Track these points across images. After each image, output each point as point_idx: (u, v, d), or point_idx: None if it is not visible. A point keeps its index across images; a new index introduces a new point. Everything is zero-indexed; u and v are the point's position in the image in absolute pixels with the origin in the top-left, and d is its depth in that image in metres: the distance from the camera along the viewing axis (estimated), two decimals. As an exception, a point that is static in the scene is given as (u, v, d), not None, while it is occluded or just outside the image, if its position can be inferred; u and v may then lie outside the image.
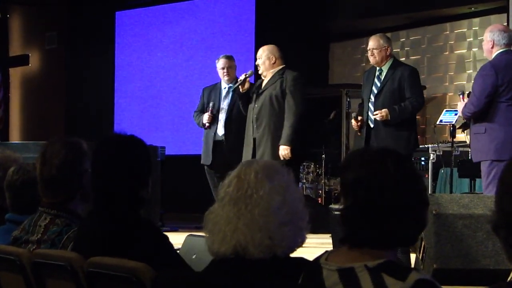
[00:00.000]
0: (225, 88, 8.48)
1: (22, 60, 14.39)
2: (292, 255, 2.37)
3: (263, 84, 7.67)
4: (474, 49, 11.39)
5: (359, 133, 7.23)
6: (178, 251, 3.20)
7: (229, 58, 8.50)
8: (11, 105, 14.55)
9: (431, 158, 9.19)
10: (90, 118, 13.18)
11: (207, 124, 8.36)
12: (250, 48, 11.63)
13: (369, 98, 7.09)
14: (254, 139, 7.56)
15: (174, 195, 11.04)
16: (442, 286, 2.28)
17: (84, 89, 13.49)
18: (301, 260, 2.36)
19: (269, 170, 2.37)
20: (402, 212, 2.10)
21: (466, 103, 6.50)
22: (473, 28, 11.45)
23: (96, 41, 13.29)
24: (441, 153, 9.25)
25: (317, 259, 2.20)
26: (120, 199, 2.96)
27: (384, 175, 2.11)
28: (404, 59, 11.51)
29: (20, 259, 3.12)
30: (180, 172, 11.47)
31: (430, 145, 9.55)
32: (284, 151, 7.36)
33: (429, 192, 8.49)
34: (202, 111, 8.51)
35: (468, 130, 8.75)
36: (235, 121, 8.26)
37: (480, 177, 6.91)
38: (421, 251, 5.54)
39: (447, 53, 11.77)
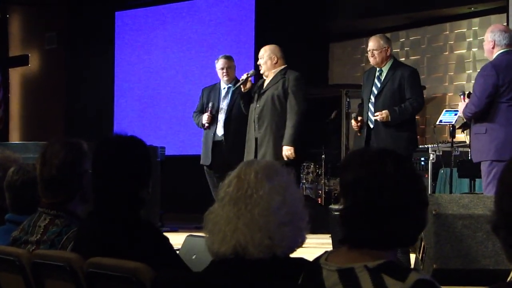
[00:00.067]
0: (224, 88, 8.48)
1: (22, 61, 14.39)
2: (292, 255, 2.37)
3: (265, 84, 7.67)
4: (474, 49, 11.39)
5: (359, 134, 7.23)
6: (178, 252, 3.20)
7: (229, 58, 8.50)
8: (11, 105, 14.55)
9: (431, 158, 9.19)
10: (89, 118, 13.18)
11: (206, 125, 8.36)
12: (250, 48, 11.64)
13: (369, 98, 7.09)
14: (256, 139, 7.57)
15: (174, 195, 11.04)
16: (442, 286, 2.28)
17: (83, 89, 13.49)
18: (301, 260, 2.36)
19: (269, 170, 2.37)
20: (402, 213, 2.10)
21: (467, 104, 6.51)
22: (473, 28, 11.44)
23: (96, 41, 13.29)
24: (440, 153, 9.24)
25: (317, 259, 2.20)
26: (120, 199, 2.96)
27: (383, 176, 2.11)
28: (404, 59, 11.51)
29: (19, 259, 3.12)
30: (179, 173, 11.47)
31: (430, 145, 9.55)
32: (287, 151, 7.38)
33: (429, 192, 8.49)
34: (202, 111, 8.51)
35: (468, 130, 8.75)
36: (235, 121, 8.26)
37: (479, 177, 6.92)
38: (421, 251, 5.54)
39: (447, 53, 11.77)
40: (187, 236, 3.85)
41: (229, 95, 8.40)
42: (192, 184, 10.53)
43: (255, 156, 7.47)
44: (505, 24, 9.25)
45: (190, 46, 12.42)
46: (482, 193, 6.67)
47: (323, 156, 10.82)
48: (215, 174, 8.26)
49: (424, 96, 7.57)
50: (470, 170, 8.36)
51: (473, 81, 10.67)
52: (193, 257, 3.48)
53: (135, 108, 12.98)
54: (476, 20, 11.39)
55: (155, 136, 11.42)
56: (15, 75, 14.60)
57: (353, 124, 7.22)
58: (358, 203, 2.11)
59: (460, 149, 9.32)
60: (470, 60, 11.46)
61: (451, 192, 8.79)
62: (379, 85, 7.05)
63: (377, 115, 6.91)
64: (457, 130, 9.28)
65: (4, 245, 3.39)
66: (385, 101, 6.99)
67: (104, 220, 2.97)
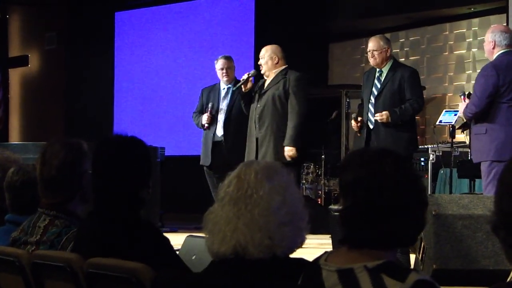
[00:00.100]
0: (224, 88, 8.48)
1: (22, 61, 14.39)
2: (292, 255, 2.37)
3: (266, 84, 7.67)
4: (473, 50, 11.39)
5: (359, 134, 7.23)
6: (177, 252, 3.20)
7: (228, 58, 8.50)
8: (11, 105, 14.55)
9: (431, 158, 9.19)
10: (89, 118, 13.17)
11: (206, 125, 8.36)
12: (249, 49, 11.63)
13: (369, 99, 7.09)
14: (257, 139, 7.57)
15: (174, 195, 11.04)
16: (442, 287, 2.28)
17: (83, 90, 13.49)
18: (301, 260, 2.36)
19: (269, 171, 2.38)
20: (402, 213, 2.10)
21: (467, 104, 6.51)
22: (473, 29, 11.44)
23: (96, 41, 13.29)
24: (440, 153, 9.25)
25: (317, 259, 2.20)
26: (120, 199, 2.97)
27: (383, 176, 2.11)
28: (403, 59, 11.51)
29: (19, 260, 3.12)
30: (179, 173, 11.46)
31: (429, 146, 9.55)
32: (289, 152, 7.39)
33: (429, 193, 8.49)
34: (201, 111, 8.50)
35: (468, 130, 8.75)
36: (234, 121, 8.26)
37: (479, 177, 6.92)
38: (421, 252, 5.54)
39: (446, 53, 11.77)
40: (187, 236, 3.85)
41: (229, 96, 8.40)
42: (191, 184, 10.52)
43: (256, 156, 7.47)
44: (505, 24, 9.25)
45: (190, 47, 12.42)
46: (482, 194, 6.67)
47: (323, 156, 10.81)
48: (214, 174, 8.26)
49: (424, 96, 7.57)
50: (470, 170, 8.37)
51: (473, 82, 10.67)
52: (193, 257, 3.48)
53: (135, 109, 12.98)
54: (475, 20, 11.39)
55: (155, 137, 11.42)
56: (15, 76, 14.60)
57: (353, 124, 7.22)
58: (358, 203, 2.11)
59: (460, 149, 9.32)
60: (470, 60, 11.46)
61: (451, 192, 8.79)
62: (379, 85, 7.05)
63: (377, 116, 6.91)
64: (457, 131, 9.28)
65: (4, 245, 3.39)
66: (385, 101, 6.99)
67: (104, 220, 2.97)
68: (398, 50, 11.92)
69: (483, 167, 6.42)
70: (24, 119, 14.51)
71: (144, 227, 2.97)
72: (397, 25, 12.09)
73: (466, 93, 6.79)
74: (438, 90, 11.83)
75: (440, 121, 9.16)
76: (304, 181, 10.74)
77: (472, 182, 8.76)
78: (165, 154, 9.88)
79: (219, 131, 8.34)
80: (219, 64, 8.47)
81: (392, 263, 2.07)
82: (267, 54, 7.69)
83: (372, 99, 7.06)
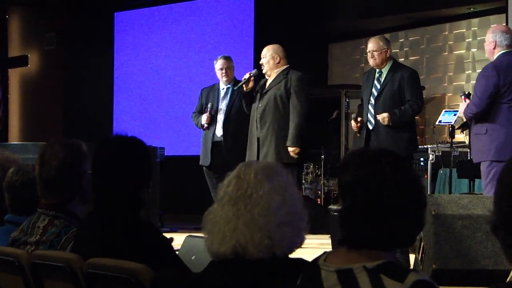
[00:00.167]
0: (223, 89, 8.48)
1: (21, 61, 14.39)
2: (291, 255, 2.37)
3: (267, 84, 7.66)
4: (473, 50, 11.39)
5: (358, 134, 7.23)
6: (177, 252, 3.20)
7: (227, 58, 8.50)
8: (10, 106, 14.55)
9: (430, 158, 9.19)
10: (89, 119, 13.18)
11: (205, 125, 8.36)
12: (249, 49, 11.64)
13: (369, 100, 7.09)
14: (258, 139, 7.56)
15: (173, 196, 11.04)
16: (441, 287, 2.28)
17: (83, 90, 13.49)
18: (300, 260, 2.36)
19: (269, 171, 2.38)
20: (401, 213, 2.10)
21: (468, 104, 6.52)
22: (472, 29, 11.44)
23: (95, 42, 13.29)
24: (440, 153, 9.25)
25: (316, 260, 2.20)
26: (120, 199, 2.97)
27: (383, 176, 2.11)
28: (403, 59, 11.51)
29: (19, 260, 3.12)
30: (179, 173, 11.46)
31: (429, 146, 9.55)
32: (292, 152, 7.39)
33: (428, 193, 8.49)
34: (201, 112, 8.50)
35: (467, 130, 8.76)
36: (234, 121, 8.27)
37: (479, 177, 6.92)
38: (420, 252, 5.54)
39: (446, 53, 11.77)
40: (187, 236, 3.85)
41: (228, 96, 8.40)
42: (191, 184, 10.52)
43: (257, 156, 7.46)
44: (504, 24, 9.25)
45: (189, 47, 12.42)
46: (481, 194, 6.67)
47: (322, 156, 10.81)
48: (214, 174, 8.26)
49: (424, 96, 7.57)
50: (469, 170, 8.37)
51: (472, 82, 10.69)
52: (193, 257, 3.48)
53: (134, 109, 12.98)
54: (475, 20, 11.39)
55: (155, 137, 11.42)
56: (15, 76, 14.59)
57: (352, 125, 7.22)
58: (357, 204, 2.11)
59: (460, 149, 9.32)
60: (470, 60, 11.46)
61: (450, 192, 8.79)
62: (378, 86, 7.05)
63: (379, 117, 6.91)
64: (456, 131, 9.29)
65: (3, 246, 3.39)
66: (385, 102, 6.99)
67: (104, 220, 2.97)
68: (397, 50, 11.91)
69: (483, 167, 6.42)
70: (24, 119, 14.51)
71: (143, 227, 2.97)
72: (397, 25, 12.09)
73: (467, 93, 6.79)
74: (438, 90, 11.83)
75: (440, 121, 9.17)
76: (303, 181, 10.74)
77: (471, 182, 8.76)
78: (165, 154, 9.88)
79: (219, 131, 8.34)
80: (219, 64, 8.47)
81: (391, 264, 2.07)
82: (268, 54, 7.69)
83: (372, 100, 7.06)
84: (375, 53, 7.05)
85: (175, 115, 12.24)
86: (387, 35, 8.18)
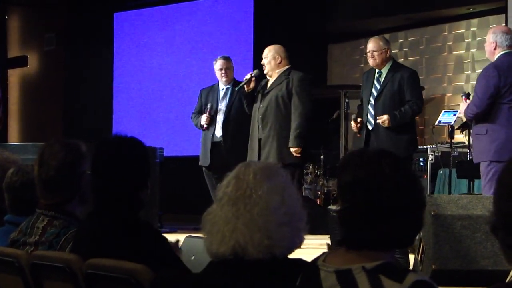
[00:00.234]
0: (222, 89, 8.48)
1: (21, 62, 14.39)
2: (291, 256, 2.37)
3: (269, 84, 7.66)
4: (472, 50, 11.40)
5: (358, 135, 7.22)
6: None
7: (227, 59, 8.49)
8: (10, 106, 14.54)
9: (430, 159, 9.19)
10: (88, 119, 13.18)
11: (205, 126, 8.35)
12: (248, 49, 11.64)
13: (369, 100, 7.08)
14: (260, 140, 7.55)
15: (173, 196, 11.04)
16: (441, 287, 2.28)
17: (82, 90, 13.49)
18: (299, 261, 2.36)
19: (268, 171, 2.38)
20: (401, 213, 2.10)
21: (468, 104, 6.52)
22: (472, 29, 11.45)
23: (95, 42, 13.29)
24: (439, 154, 9.25)
25: (315, 260, 2.20)
26: (119, 200, 2.97)
27: (382, 176, 2.11)
28: (402, 60, 11.52)
29: (18, 260, 3.12)
30: (178, 174, 11.46)
31: (428, 146, 9.55)
32: (294, 153, 7.38)
33: (428, 193, 8.49)
34: (200, 112, 8.50)
35: (467, 131, 8.76)
36: (233, 122, 8.27)
37: (478, 178, 6.92)
38: (420, 252, 5.54)
39: (445, 54, 11.77)
40: (186, 237, 3.85)
41: (228, 96, 8.40)
42: (191, 185, 10.52)
43: (259, 157, 7.45)
44: (504, 24, 9.26)
45: (189, 47, 12.42)
46: (481, 194, 6.67)
47: (322, 157, 10.81)
48: (213, 175, 8.26)
49: (423, 97, 7.57)
50: (469, 170, 8.37)
51: (471, 82, 10.70)
52: (192, 258, 3.48)
53: (134, 109, 12.98)
54: (474, 21, 11.39)
55: (154, 137, 11.42)
56: (14, 76, 14.59)
57: (352, 125, 7.20)
58: (357, 204, 2.11)
59: (459, 149, 9.32)
60: (469, 60, 11.46)
61: (450, 192, 8.79)
62: (378, 86, 7.04)
63: (379, 120, 6.90)
64: (455, 131, 9.28)
65: (3, 246, 3.39)
66: (385, 102, 6.98)
67: (103, 220, 2.97)
68: (397, 51, 11.92)
69: (482, 167, 6.42)
70: (23, 119, 14.51)
71: (143, 227, 2.97)
72: (396, 26, 12.09)
73: (468, 93, 6.80)
74: (437, 90, 11.84)
75: (439, 122, 9.17)
76: (303, 182, 10.73)
77: (471, 182, 8.75)
78: (164, 155, 9.87)
79: (218, 132, 8.33)
80: (218, 64, 8.46)
81: (390, 264, 2.07)
82: (270, 54, 7.68)
83: (372, 100, 7.05)
84: (375, 53, 7.04)
85: (175, 115, 12.24)
86: (386, 36, 8.17)
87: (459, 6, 11.23)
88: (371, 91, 7.07)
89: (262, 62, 7.73)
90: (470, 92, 6.90)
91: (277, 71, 7.64)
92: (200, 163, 8.46)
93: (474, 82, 7.39)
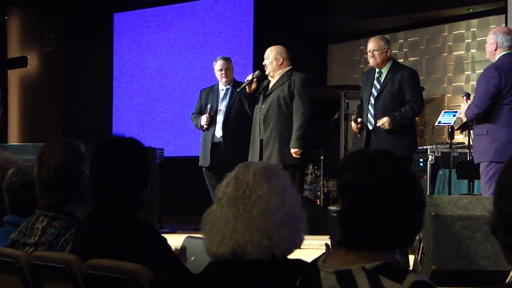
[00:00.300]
0: (222, 89, 8.47)
1: (21, 62, 14.38)
2: (290, 256, 2.37)
3: (270, 85, 7.65)
4: (472, 50, 11.40)
5: (359, 135, 7.22)
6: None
7: (227, 59, 8.49)
8: (10, 107, 14.54)
9: (430, 159, 9.18)
10: (88, 120, 13.17)
11: (205, 126, 8.35)
12: (248, 50, 11.64)
13: (369, 100, 7.08)
14: (261, 141, 7.55)
15: (172, 197, 11.03)
16: (440, 288, 2.28)
17: (82, 91, 13.49)
18: (299, 261, 2.36)
19: (267, 172, 2.38)
20: (401, 214, 2.10)
21: (469, 105, 6.52)
22: (472, 29, 11.45)
23: (95, 42, 13.29)
24: (439, 154, 9.24)
25: (315, 261, 2.19)
26: (119, 200, 2.97)
27: (382, 177, 2.11)
28: (402, 60, 11.51)
29: (18, 261, 3.12)
30: (178, 174, 11.46)
31: (428, 146, 9.55)
32: (295, 154, 7.38)
33: (428, 194, 8.48)
34: (200, 113, 8.50)
35: (467, 131, 8.76)
36: (233, 122, 8.26)
37: (478, 178, 6.92)
38: (420, 253, 5.54)
39: (445, 54, 11.77)
40: (186, 237, 3.85)
41: (228, 97, 8.40)
42: (190, 185, 10.52)
43: (260, 157, 7.45)
44: (504, 25, 9.26)
45: (189, 48, 12.42)
46: (481, 194, 6.67)
47: (321, 157, 10.81)
48: (213, 175, 8.25)
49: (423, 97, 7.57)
50: (468, 171, 8.37)
51: (471, 82, 10.69)
52: (192, 258, 3.48)
53: (133, 110, 12.98)
54: (474, 21, 11.39)
55: (154, 138, 11.42)
56: (14, 77, 14.59)
57: (353, 126, 7.20)
58: (357, 204, 2.11)
59: (459, 150, 9.31)
60: (469, 61, 11.46)
61: (450, 193, 8.78)
62: (378, 86, 7.04)
63: (379, 123, 6.90)
64: (455, 131, 9.28)
65: (3, 247, 3.39)
66: (385, 102, 6.98)
67: (103, 221, 2.97)
68: (397, 51, 11.91)
69: (482, 167, 6.43)
70: (23, 120, 14.50)
71: (142, 228, 2.97)
72: (396, 26, 12.09)
73: (469, 93, 6.80)
74: (437, 91, 11.83)
75: (439, 122, 9.16)
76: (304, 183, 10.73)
77: (471, 183, 8.75)
78: (164, 155, 9.87)
79: (218, 132, 8.33)
80: (218, 65, 8.46)
81: (390, 265, 2.07)
82: (271, 55, 7.67)
83: (372, 100, 7.05)
84: (376, 53, 7.04)
85: (175, 116, 12.24)
86: (386, 36, 8.16)
87: (459, 6, 11.23)
88: (371, 91, 7.07)
89: (263, 63, 7.72)
90: (470, 93, 6.89)
91: (278, 72, 7.63)
92: (200, 164, 8.45)
93: (474, 82, 7.39)
